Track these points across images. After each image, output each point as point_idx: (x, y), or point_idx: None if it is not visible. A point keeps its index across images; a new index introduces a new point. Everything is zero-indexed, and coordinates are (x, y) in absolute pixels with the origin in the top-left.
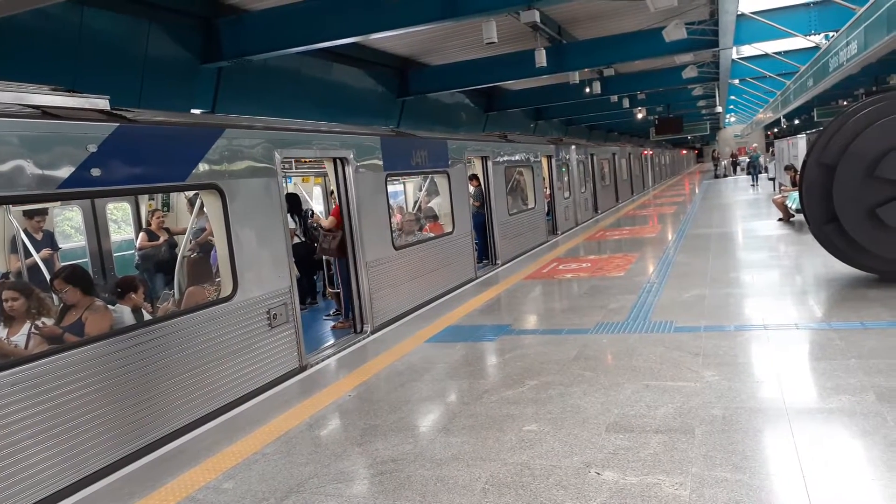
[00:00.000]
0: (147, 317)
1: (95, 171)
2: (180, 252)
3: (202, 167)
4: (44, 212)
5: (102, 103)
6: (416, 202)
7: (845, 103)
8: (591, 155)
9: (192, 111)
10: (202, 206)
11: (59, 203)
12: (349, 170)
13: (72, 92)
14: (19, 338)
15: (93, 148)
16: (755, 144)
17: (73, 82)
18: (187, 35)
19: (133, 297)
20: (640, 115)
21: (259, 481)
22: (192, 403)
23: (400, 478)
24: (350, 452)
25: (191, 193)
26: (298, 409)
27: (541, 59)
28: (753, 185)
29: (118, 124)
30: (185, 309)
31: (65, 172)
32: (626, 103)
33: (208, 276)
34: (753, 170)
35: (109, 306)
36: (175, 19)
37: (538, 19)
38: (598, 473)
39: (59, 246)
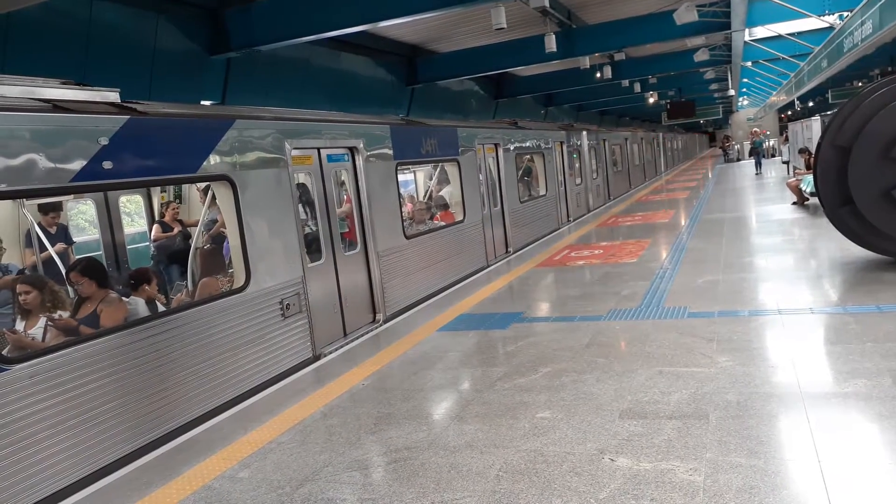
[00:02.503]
0: (161, 308)
1: (107, 164)
2: (193, 243)
3: (213, 159)
4: (59, 207)
5: (113, 96)
6: (427, 191)
7: (860, 84)
8: (603, 140)
9: (202, 103)
10: (214, 197)
11: (72, 196)
12: (359, 159)
13: (82, 85)
14: (36, 331)
15: (104, 141)
16: (756, 129)
17: (82, 76)
18: (195, 26)
19: (147, 289)
20: (651, 100)
21: (274, 470)
22: (208, 394)
23: (414, 465)
24: (364, 441)
25: (203, 185)
26: (313, 398)
27: (550, 44)
28: (757, 173)
29: (129, 117)
30: (198, 300)
31: (77, 165)
32: (637, 88)
33: (222, 267)
34: (757, 156)
35: (124, 298)
36: (183, 11)
37: (547, 4)
38: (612, 460)
39: (74, 240)
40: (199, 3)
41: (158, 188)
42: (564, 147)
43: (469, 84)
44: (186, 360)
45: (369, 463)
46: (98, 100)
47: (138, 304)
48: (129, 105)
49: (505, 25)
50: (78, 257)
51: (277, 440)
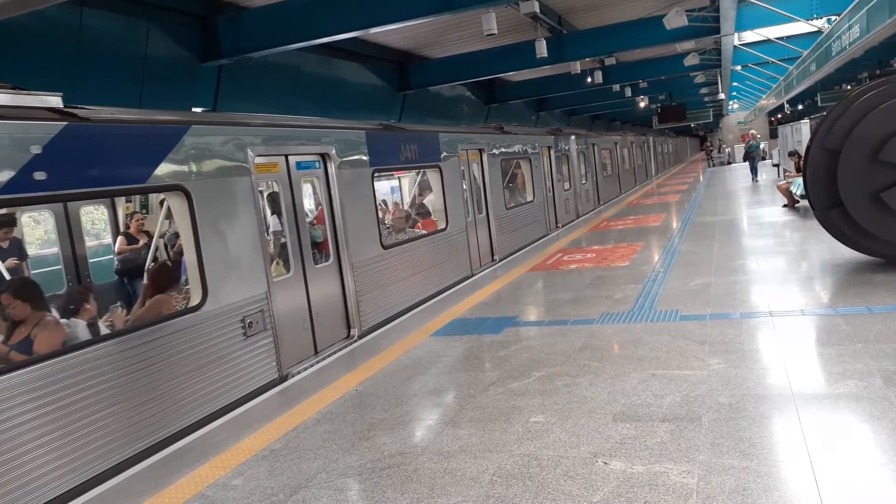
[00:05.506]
0: (104, 330)
1: (39, 175)
2: (149, 257)
3: (165, 167)
4: (12, 222)
5: (54, 101)
6: (412, 198)
7: (849, 87)
8: (592, 145)
9: (194, 110)
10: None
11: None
12: (331, 166)
13: (18, 89)
14: None
15: (36, 149)
16: (753, 131)
17: (73, 84)
18: (186, 34)
19: (88, 309)
20: (642, 104)
21: (268, 477)
22: (147, 429)
23: (408, 471)
24: (357, 447)
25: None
26: (303, 407)
27: (541, 49)
28: (754, 179)
29: (66, 123)
30: (143, 322)
31: (3, 177)
32: (628, 92)
33: (176, 283)
34: (752, 161)
35: (62, 321)
36: (174, 18)
37: (538, 9)
38: (606, 463)
39: (28, 254)
40: (189, 10)
41: (123, 198)
42: (552, 152)
43: (461, 89)
44: (129, 388)
45: (363, 469)
46: (37, 105)
47: (77, 327)
48: (70, 110)
49: (496, 31)
50: (9, 278)
51: (270, 447)
